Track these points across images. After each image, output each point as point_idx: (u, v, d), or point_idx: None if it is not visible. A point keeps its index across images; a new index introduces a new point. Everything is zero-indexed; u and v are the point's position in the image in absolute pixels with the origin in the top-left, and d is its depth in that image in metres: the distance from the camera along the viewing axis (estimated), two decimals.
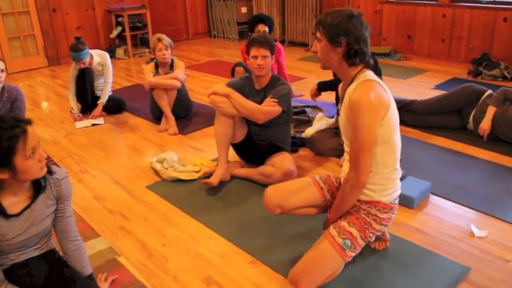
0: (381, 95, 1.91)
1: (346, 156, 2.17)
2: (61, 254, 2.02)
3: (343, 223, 2.09)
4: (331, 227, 2.11)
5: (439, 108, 3.93)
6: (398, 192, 2.17)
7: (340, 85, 2.22)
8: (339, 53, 1.97)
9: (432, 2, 6.11)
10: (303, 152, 3.66)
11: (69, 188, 1.91)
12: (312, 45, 2.18)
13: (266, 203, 2.30)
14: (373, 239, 2.20)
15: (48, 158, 3.59)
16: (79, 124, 4.44)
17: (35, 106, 5.13)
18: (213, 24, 8.76)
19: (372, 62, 2.03)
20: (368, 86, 1.92)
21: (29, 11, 6.58)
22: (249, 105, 2.99)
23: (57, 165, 3.49)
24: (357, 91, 1.92)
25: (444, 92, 4.19)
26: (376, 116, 1.89)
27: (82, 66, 4.40)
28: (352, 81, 2.01)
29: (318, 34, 2.01)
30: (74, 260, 1.96)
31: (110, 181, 3.32)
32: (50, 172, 1.84)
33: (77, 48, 4.25)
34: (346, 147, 2.13)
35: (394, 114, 1.99)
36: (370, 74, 2.00)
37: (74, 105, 4.60)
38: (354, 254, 2.10)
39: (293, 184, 2.35)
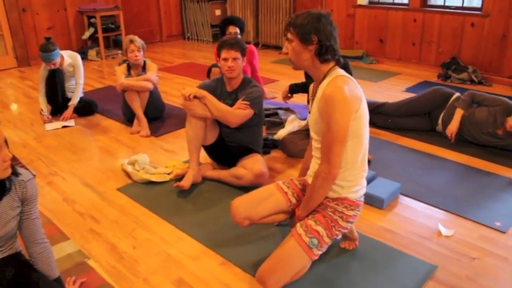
0: (354, 89, 1.98)
1: (314, 153, 2.21)
2: (27, 257, 1.98)
3: (310, 222, 2.12)
4: (298, 225, 2.13)
5: (409, 110, 4.00)
6: (364, 190, 2.22)
7: (311, 85, 2.25)
8: (311, 50, 2.02)
9: (403, 7, 6.22)
10: (275, 153, 3.67)
11: (35, 190, 1.88)
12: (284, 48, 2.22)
13: (234, 216, 2.30)
14: (340, 236, 2.23)
15: (16, 161, 3.52)
16: (49, 126, 4.37)
17: (4, 108, 5.02)
18: (187, 26, 8.73)
19: (341, 60, 2.09)
20: (341, 80, 1.98)
21: None
22: (223, 108, 2.99)
23: (26, 168, 3.42)
24: (331, 85, 1.97)
25: (414, 94, 4.26)
26: (349, 109, 1.94)
27: (52, 67, 4.33)
28: (324, 77, 2.06)
29: (289, 35, 2.06)
30: (40, 263, 1.92)
31: (80, 183, 3.27)
32: (15, 174, 1.81)
33: (46, 49, 4.18)
34: (316, 144, 2.16)
35: (365, 110, 2.05)
36: (342, 71, 2.05)
37: (44, 107, 4.52)
38: (320, 252, 2.13)
39: (258, 194, 2.34)
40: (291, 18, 2.06)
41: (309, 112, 2.19)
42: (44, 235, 1.94)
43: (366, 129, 2.08)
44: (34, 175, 3.34)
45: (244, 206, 2.29)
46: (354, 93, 1.97)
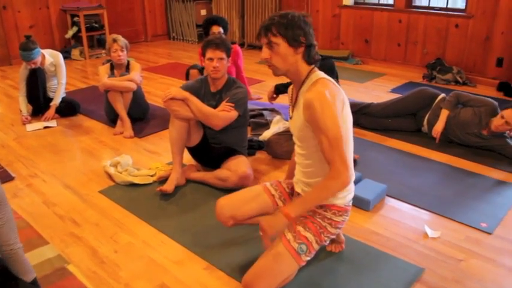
0: (334, 91, 1.93)
1: (297, 159, 2.16)
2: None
3: (299, 227, 2.07)
4: (286, 230, 2.08)
5: (395, 111, 3.99)
6: (352, 195, 2.18)
7: (290, 88, 2.20)
8: (299, 53, 1.95)
9: (388, 7, 6.23)
10: (260, 155, 3.63)
11: (3, 194, 1.80)
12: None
13: (218, 215, 2.27)
14: (328, 242, 2.20)
15: None
16: (30, 127, 4.28)
17: None
18: (172, 26, 8.65)
19: (318, 57, 2.02)
20: (321, 84, 1.93)
21: None
22: (207, 111, 2.94)
23: (5, 170, 3.34)
24: (312, 91, 1.92)
25: (400, 95, 4.26)
26: (335, 110, 1.89)
27: (33, 66, 4.25)
28: (304, 81, 2.00)
29: (273, 39, 1.92)
30: (10, 266, 1.86)
31: (61, 186, 3.20)
32: None
33: (26, 47, 4.09)
34: (299, 150, 2.11)
35: (349, 113, 2.01)
36: (320, 73, 2.00)
37: (24, 107, 4.42)
38: (308, 259, 2.08)
39: (244, 194, 2.32)
40: (269, 22, 1.93)
41: (290, 118, 2.13)
42: (16, 239, 1.86)
43: (350, 134, 2.02)
44: (13, 177, 3.28)
45: (230, 205, 2.26)
46: (334, 94, 1.91)
